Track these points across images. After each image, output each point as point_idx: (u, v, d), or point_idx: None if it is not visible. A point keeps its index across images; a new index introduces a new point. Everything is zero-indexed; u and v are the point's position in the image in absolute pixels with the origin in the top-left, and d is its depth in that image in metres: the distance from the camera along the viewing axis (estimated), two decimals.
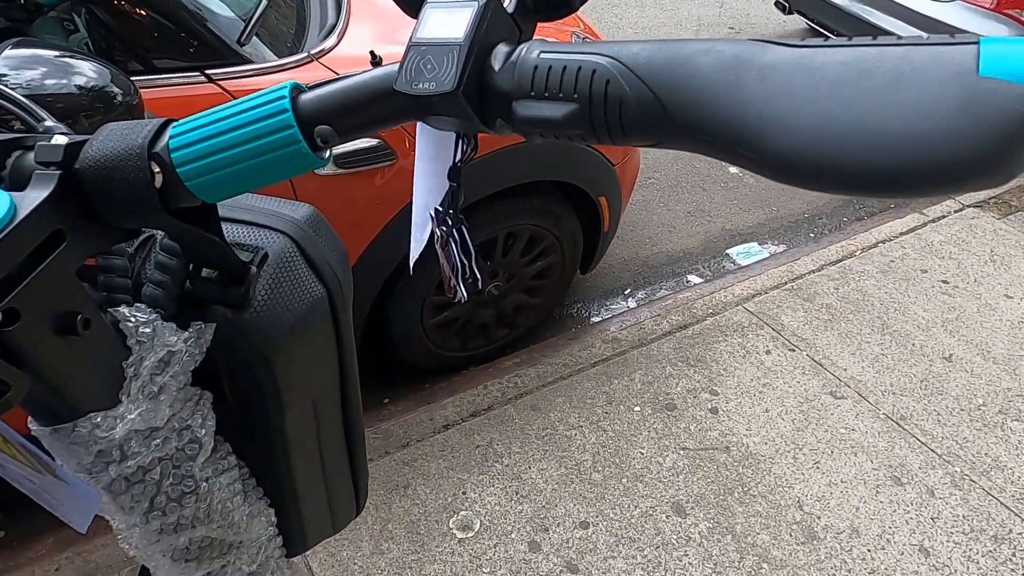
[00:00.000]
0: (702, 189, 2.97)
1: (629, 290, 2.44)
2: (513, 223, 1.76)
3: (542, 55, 0.28)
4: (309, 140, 0.30)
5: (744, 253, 2.65)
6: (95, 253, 0.35)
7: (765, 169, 0.25)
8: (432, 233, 0.43)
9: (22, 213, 0.29)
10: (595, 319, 2.31)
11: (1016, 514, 1.62)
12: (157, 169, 0.30)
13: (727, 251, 2.66)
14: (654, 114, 0.26)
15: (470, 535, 1.53)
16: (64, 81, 0.53)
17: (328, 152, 0.32)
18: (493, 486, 1.63)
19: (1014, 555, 1.54)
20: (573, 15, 2.21)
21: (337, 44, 1.42)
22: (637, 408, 1.84)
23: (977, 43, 0.22)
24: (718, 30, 4.39)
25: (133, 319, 0.34)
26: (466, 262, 0.43)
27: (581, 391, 1.88)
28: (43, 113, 0.37)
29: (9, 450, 0.32)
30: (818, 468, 1.71)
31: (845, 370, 2.00)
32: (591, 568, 1.48)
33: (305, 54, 1.36)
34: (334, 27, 1.46)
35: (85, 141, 0.31)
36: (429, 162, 0.41)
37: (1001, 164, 0.21)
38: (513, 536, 1.53)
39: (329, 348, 0.43)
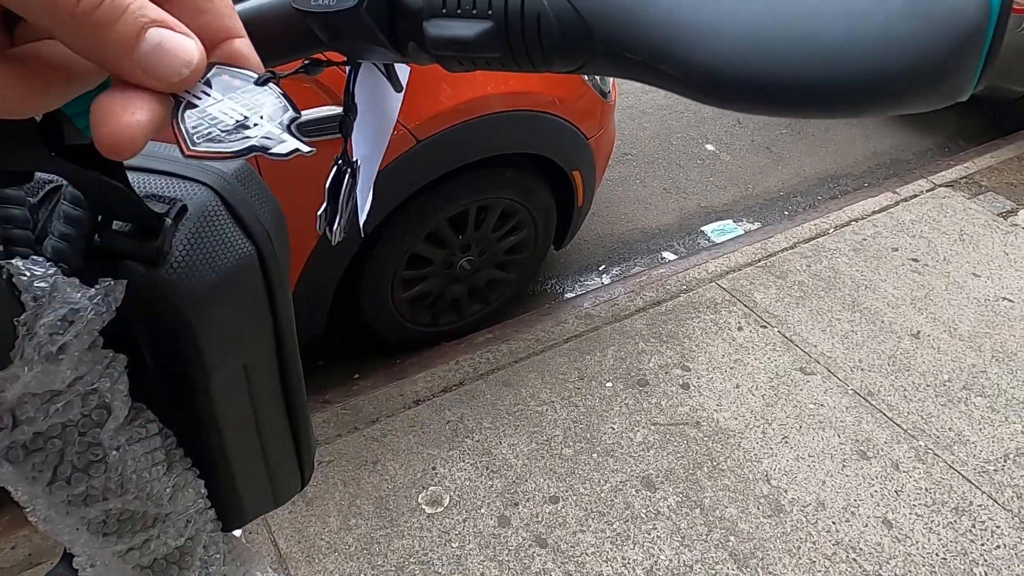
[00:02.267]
0: (678, 166, 2.95)
1: (604, 266, 2.43)
2: (485, 196, 1.73)
3: None
4: None
5: (719, 230, 2.65)
6: None
7: (691, 88, 0.23)
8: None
9: None
10: (569, 295, 2.29)
11: (977, 487, 1.65)
12: None
13: (702, 228, 2.65)
14: (575, 29, 0.24)
15: (439, 510, 1.52)
16: None
17: None
18: (463, 461, 1.62)
19: (973, 526, 1.57)
20: None
21: None
22: (609, 384, 1.84)
23: None
24: None
25: (28, 272, 0.31)
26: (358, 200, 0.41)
27: (553, 367, 1.87)
28: None
29: None
30: (786, 443, 1.73)
31: (815, 347, 2.01)
32: (560, 542, 1.48)
33: None
34: None
35: None
36: (367, 108, 0.38)
37: (950, 73, 0.19)
38: (483, 511, 1.52)
39: (262, 310, 0.41)
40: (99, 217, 0.33)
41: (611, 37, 0.24)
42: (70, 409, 0.32)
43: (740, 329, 2.06)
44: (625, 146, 2.99)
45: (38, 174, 0.35)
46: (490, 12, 0.25)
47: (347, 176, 0.39)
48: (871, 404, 1.85)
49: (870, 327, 2.09)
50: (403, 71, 0.39)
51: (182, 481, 0.39)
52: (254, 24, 0.28)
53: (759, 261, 2.34)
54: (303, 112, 0.36)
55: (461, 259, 1.82)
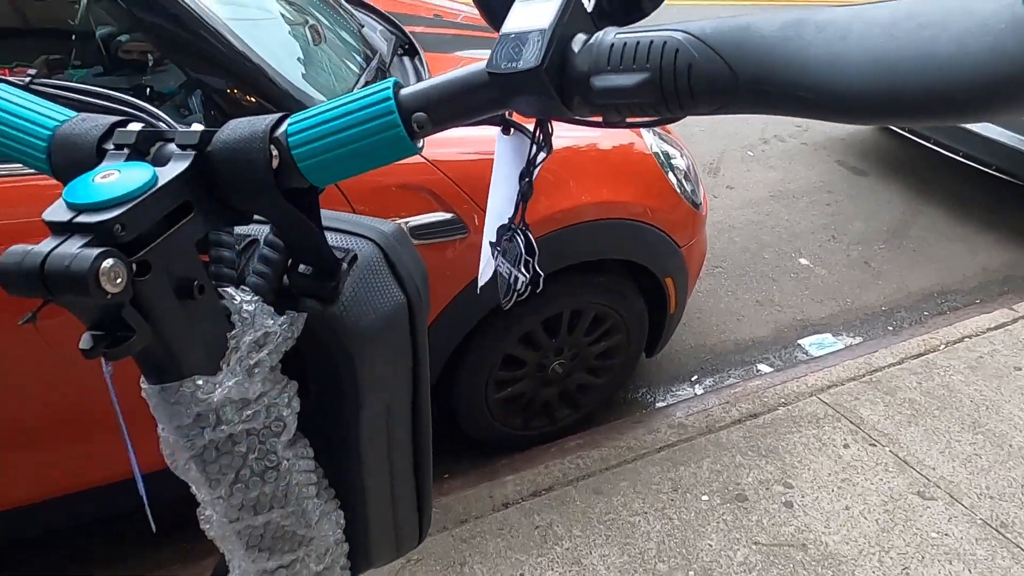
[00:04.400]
0: (771, 279, 2.92)
1: (696, 377, 2.38)
2: (579, 300, 1.78)
3: (617, 35, 0.32)
4: (407, 126, 0.34)
5: (817, 344, 2.56)
6: (213, 229, 0.39)
7: (826, 110, 0.27)
8: (495, 253, 0.46)
9: (161, 182, 0.34)
10: (660, 404, 2.25)
11: None
12: (275, 151, 0.35)
13: (799, 341, 2.58)
14: (720, 74, 0.29)
15: None
16: None
17: (421, 141, 0.35)
18: (552, 570, 1.56)
19: None
20: None
21: None
22: (705, 497, 1.76)
23: None
24: (785, 128, 4.46)
25: (238, 298, 0.37)
26: (530, 259, 0.45)
27: (646, 476, 1.81)
28: (174, 123, 0.43)
29: None
30: (908, 575, 1.57)
31: (934, 469, 1.86)
32: None
33: None
34: None
35: (216, 130, 0.36)
36: (505, 169, 0.44)
37: None
38: None
39: (405, 356, 0.45)
40: (289, 261, 0.40)
41: (752, 76, 0.28)
42: (257, 418, 0.37)
43: (847, 446, 1.94)
44: (716, 260, 3.00)
45: (239, 229, 0.43)
46: (647, 65, 0.30)
47: (521, 239, 0.45)
48: (1006, 537, 1.67)
49: (996, 451, 1.92)
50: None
51: (327, 508, 0.42)
52: (448, 90, 0.34)
53: (863, 376, 2.23)
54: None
55: (554, 362, 1.85)
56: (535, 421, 1.95)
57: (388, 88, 0.34)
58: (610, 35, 0.32)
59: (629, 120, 0.34)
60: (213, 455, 0.37)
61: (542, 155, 0.45)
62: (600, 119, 0.35)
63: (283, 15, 1.63)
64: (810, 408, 2.08)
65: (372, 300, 0.41)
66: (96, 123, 0.37)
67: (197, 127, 0.36)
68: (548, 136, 0.43)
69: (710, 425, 2.00)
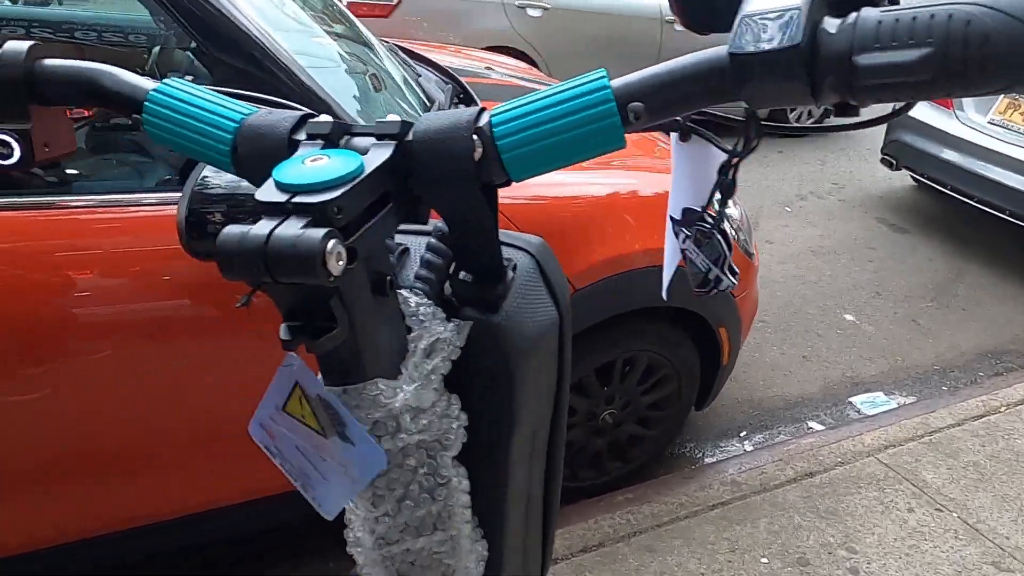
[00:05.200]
0: (816, 334, 2.86)
1: (744, 432, 2.30)
2: (632, 348, 1.74)
3: (883, 13, 0.30)
4: (622, 116, 0.32)
5: (869, 402, 2.48)
6: (402, 223, 0.37)
7: None
8: (679, 234, 0.43)
9: (368, 169, 0.32)
10: (709, 459, 2.17)
11: None
12: (478, 142, 0.33)
13: (850, 399, 2.49)
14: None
15: None
16: None
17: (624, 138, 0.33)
18: None
19: None
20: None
21: None
22: (764, 560, 1.66)
23: None
24: (822, 185, 4.45)
25: (414, 300, 0.35)
26: (727, 254, 0.43)
27: (700, 535, 1.73)
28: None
29: (300, 410, 0.32)
30: None
31: (1008, 539, 1.75)
32: None
33: None
34: None
35: (413, 123, 0.34)
36: (686, 179, 0.42)
37: None
38: None
39: (551, 376, 0.43)
40: (451, 268, 0.38)
41: None
42: (430, 428, 0.34)
43: (911, 511, 1.84)
44: (759, 313, 2.94)
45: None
46: (929, 39, 0.28)
47: (721, 239, 0.43)
48: None
49: None
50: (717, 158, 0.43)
51: (474, 536, 0.39)
52: (671, 77, 0.32)
53: (922, 437, 2.14)
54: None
55: (604, 411, 1.80)
56: (583, 472, 1.89)
57: (603, 76, 0.33)
58: (872, 13, 0.30)
59: (869, 114, 0.31)
60: (385, 467, 0.34)
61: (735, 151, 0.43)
62: (817, 121, 0.32)
63: (348, 64, 1.67)
64: (869, 469, 1.99)
65: (530, 312, 0.39)
66: (284, 115, 0.36)
67: (395, 117, 0.34)
68: (759, 128, 0.41)
69: (764, 483, 1.92)
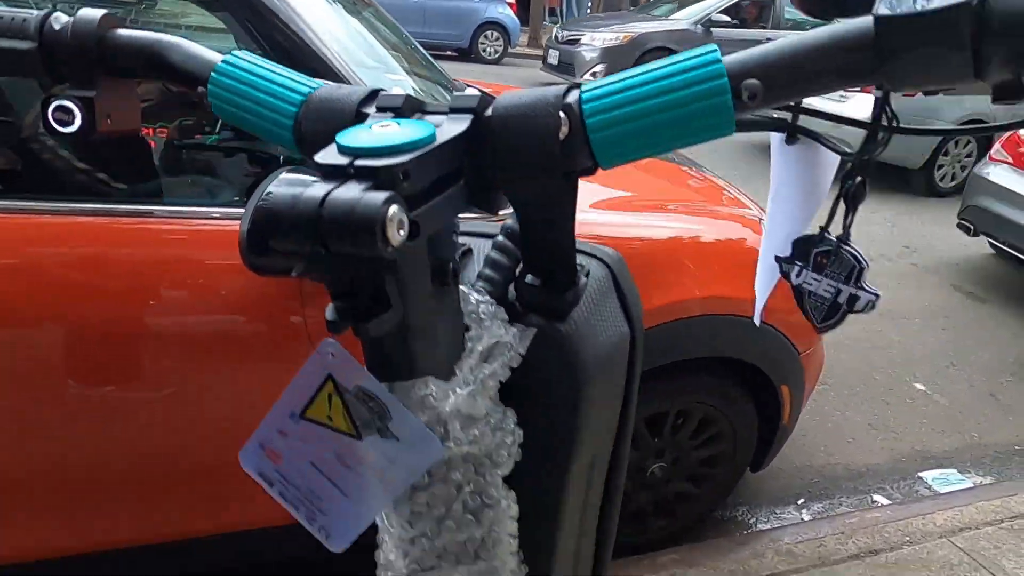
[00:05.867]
0: (884, 402, 2.69)
1: (802, 500, 2.16)
2: (686, 399, 1.67)
3: None
4: (734, 94, 0.29)
5: (942, 480, 2.30)
6: (472, 207, 0.34)
7: None
8: (791, 272, 0.39)
9: (442, 139, 0.30)
10: (762, 526, 2.04)
11: None
12: (564, 119, 0.30)
13: (919, 474, 2.32)
14: None
15: None
16: None
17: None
18: None
19: None
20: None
21: None
22: None
23: None
24: (891, 247, 4.28)
25: (475, 297, 0.32)
26: (862, 267, 0.39)
27: None
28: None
29: (327, 411, 0.30)
30: None
31: None
32: None
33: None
34: None
35: (493, 97, 0.32)
36: (791, 194, 0.39)
37: None
38: None
39: (617, 399, 0.39)
40: (517, 269, 0.35)
41: None
42: (482, 440, 0.31)
43: None
44: (822, 376, 2.80)
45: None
46: None
47: (849, 253, 0.39)
48: None
49: None
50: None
51: (518, 571, 0.35)
52: (794, 50, 0.29)
53: (1002, 522, 1.96)
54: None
55: (654, 465, 1.72)
56: (626, 528, 1.79)
57: (715, 50, 0.29)
58: None
59: None
60: (426, 481, 0.31)
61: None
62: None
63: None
64: (941, 552, 1.83)
65: (601, 326, 0.35)
66: (354, 89, 0.34)
67: (473, 91, 0.32)
68: (893, 119, 0.37)
69: (823, 557, 1.78)
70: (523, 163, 0.31)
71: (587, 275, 0.36)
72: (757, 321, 0.50)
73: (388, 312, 0.28)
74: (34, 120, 1.28)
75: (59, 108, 0.36)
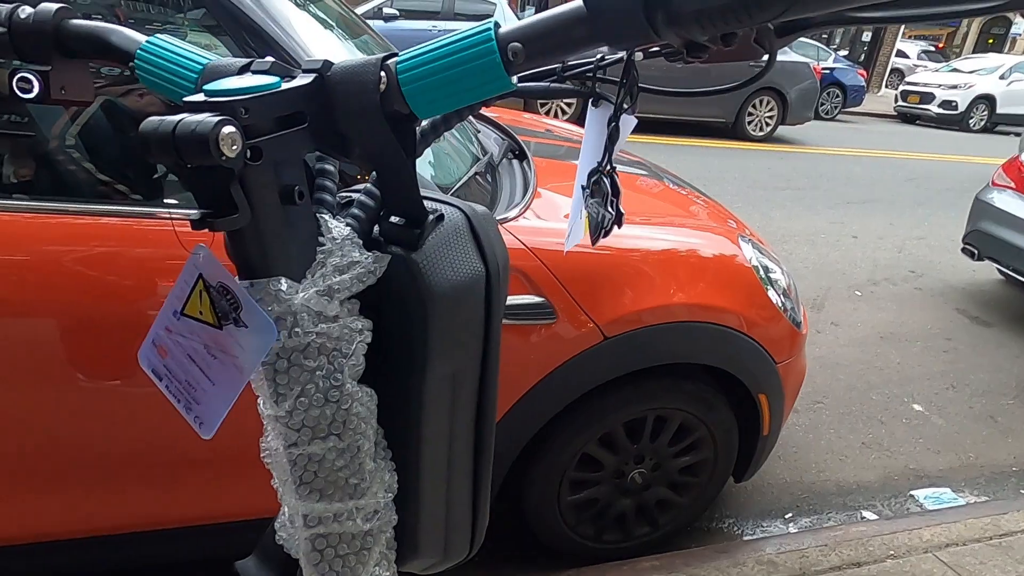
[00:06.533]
0: (879, 422, 2.70)
1: (791, 515, 2.17)
2: (664, 406, 1.71)
3: None
4: (503, 55, 0.36)
5: (934, 498, 2.29)
6: (319, 149, 0.42)
7: None
8: (583, 187, 0.46)
9: (284, 87, 0.37)
10: (748, 537, 2.05)
11: None
12: (384, 76, 0.38)
13: (911, 492, 2.32)
14: None
15: None
16: None
17: (515, 78, 0.38)
18: None
19: None
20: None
21: (519, 216, 1.60)
22: None
23: None
24: (897, 272, 4.28)
25: (333, 223, 0.40)
26: (615, 199, 0.45)
27: None
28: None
29: (199, 307, 0.37)
30: None
31: None
32: None
33: None
34: (519, 204, 1.66)
35: (334, 63, 0.40)
36: (592, 142, 0.46)
37: None
38: None
39: (476, 330, 0.45)
40: (382, 212, 0.43)
41: None
42: (331, 334, 0.38)
43: None
44: (816, 395, 2.82)
45: (341, 194, 0.46)
46: None
47: (607, 181, 0.46)
48: None
49: None
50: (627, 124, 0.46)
51: (381, 465, 0.41)
52: (544, 22, 0.37)
53: (991, 539, 1.95)
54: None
55: (633, 470, 1.75)
56: (608, 534, 1.82)
57: (489, 23, 0.37)
58: None
59: (724, 44, 0.33)
60: (284, 365, 0.38)
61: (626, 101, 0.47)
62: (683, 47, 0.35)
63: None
64: (925, 565, 1.83)
65: (452, 260, 0.43)
66: (238, 60, 0.43)
67: (318, 59, 0.40)
68: (635, 81, 0.45)
69: (804, 568, 1.80)
70: (352, 109, 0.39)
71: (440, 218, 0.43)
72: (565, 250, 0.58)
73: (236, 215, 0.35)
74: (60, 131, 1.39)
75: (21, 79, 0.45)
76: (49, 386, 1.22)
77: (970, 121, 12.43)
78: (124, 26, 0.46)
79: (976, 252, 3.73)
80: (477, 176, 1.76)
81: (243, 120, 0.35)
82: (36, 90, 0.45)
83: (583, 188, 0.50)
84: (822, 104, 11.22)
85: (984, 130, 12.49)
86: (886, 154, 8.67)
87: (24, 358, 1.19)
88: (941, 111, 12.49)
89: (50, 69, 0.46)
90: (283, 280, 0.38)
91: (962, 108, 12.35)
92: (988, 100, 12.45)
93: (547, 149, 2.36)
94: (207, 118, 0.33)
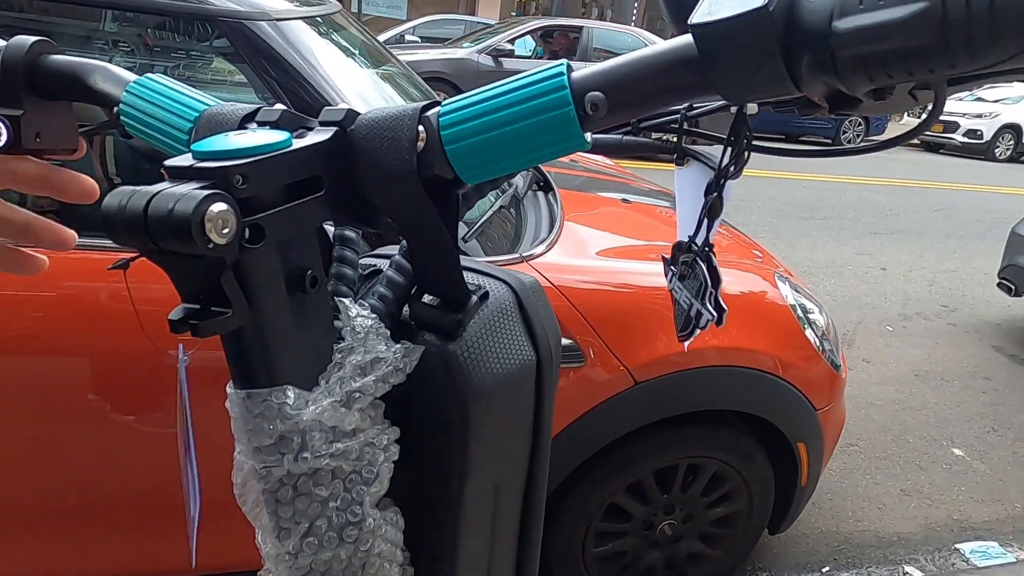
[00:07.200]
0: (918, 467, 2.56)
1: (828, 568, 2.04)
2: (697, 454, 1.61)
3: None
4: (578, 107, 0.29)
5: (981, 553, 2.16)
6: (339, 221, 0.35)
7: None
8: (668, 274, 0.39)
9: (296, 145, 0.30)
10: None
11: None
12: (423, 131, 0.31)
13: (956, 546, 2.18)
14: None
15: None
16: None
17: (590, 136, 0.30)
18: None
19: None
20: None
21: (545, 252, 1.53)
22: None
23: None
24: (929, 306, 4.15)
25: (354, 311, 0.32)
26: (713, 291, 0.38)
27: None
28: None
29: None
30: None
31: None
32: None
33: (517, 255, 1.47)
34: (545, 240, 1.59)
35: (360, 112, 0.33)
36: (686, 211, 0.38)
37: None
38: None
39: (525, 429, 0.38)
40: (413, 290, 0.35)
41: None
42: (347, 456, 0.30)
43: None
44: (850, 436, 2.69)
45: (363, 260, 0.39)
46: None
47: (703, 266, 0.38)
48: None
49: None
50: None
51: None
52: (633, 67, 0.29)
53: None
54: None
55: (663, 521, 1.65)
56: None
57: (561, 64, 0.30)
58: None
59: (875, 97, 0.26)
60: (289, 494, 0.30)
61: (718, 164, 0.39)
62: (826, 107, 0.28)
63: None
64: None
65: (498, 349, 0.35)
66: (243, 105, 0.35)
67: (343, 106, 0.33)
68: (748, 137, 0.37)
69: None
70: (382, 172, 0.31)
71: (483, 296, 0.36)
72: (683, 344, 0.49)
73: (229, 314, 0.28)
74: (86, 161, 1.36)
75: None
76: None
77: (996, 150, 12.23)
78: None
79: (1013, 288, 3.60)
80: (501, 208, 1.70)
81: (240, 192, 0.28)
82: (4, 138, 0.38)
83: (667, 263, 0.43)
84: (844, 132, 11.10)
85: (1011, 159, 12.28)
86: (911, 183, 8.52)
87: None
88: (966, 140, 12.31)
89: (21, 114, 0.39)
90: (290, 390, 0.30)
91: (987, 137, 12.16)
92: (1014, 129, 12.26)
93: (572, 181, 2.29)
94: (191, 191, 0.26)
